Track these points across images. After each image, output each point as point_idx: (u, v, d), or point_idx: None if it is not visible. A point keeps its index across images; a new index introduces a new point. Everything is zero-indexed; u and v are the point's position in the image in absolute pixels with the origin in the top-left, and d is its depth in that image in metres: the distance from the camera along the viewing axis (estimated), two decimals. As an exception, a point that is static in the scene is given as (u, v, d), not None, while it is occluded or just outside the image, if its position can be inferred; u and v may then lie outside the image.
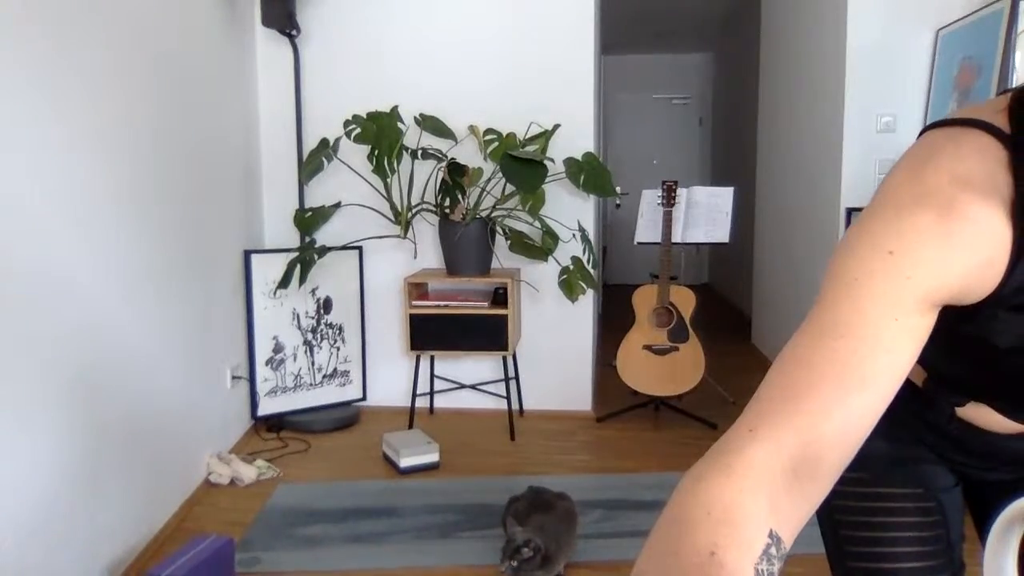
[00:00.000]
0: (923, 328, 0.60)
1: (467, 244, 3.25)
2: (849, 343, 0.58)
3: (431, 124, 3.34)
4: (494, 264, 3.49)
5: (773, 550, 0.51)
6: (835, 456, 0.57)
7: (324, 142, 3.22)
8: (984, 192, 0.59)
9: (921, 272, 0.58)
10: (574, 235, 3.42)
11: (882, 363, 0.58)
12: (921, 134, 0.67)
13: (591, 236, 3.44)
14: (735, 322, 5.86)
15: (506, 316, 3.22)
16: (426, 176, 3.38)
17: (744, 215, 5.33)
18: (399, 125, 3.20)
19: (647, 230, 3.62)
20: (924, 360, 0.84)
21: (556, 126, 3.34)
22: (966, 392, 0.82)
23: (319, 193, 3.51)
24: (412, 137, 3.38)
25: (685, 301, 3.45)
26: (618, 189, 3.54)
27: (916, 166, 0.63)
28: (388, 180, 3.24)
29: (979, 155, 0.61)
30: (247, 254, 3.27)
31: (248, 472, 2.82)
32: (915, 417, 0.90)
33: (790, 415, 0.56)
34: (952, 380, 0.83)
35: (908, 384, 0.87)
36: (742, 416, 0.59)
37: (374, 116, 3.15)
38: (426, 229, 3.55)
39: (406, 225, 3.32)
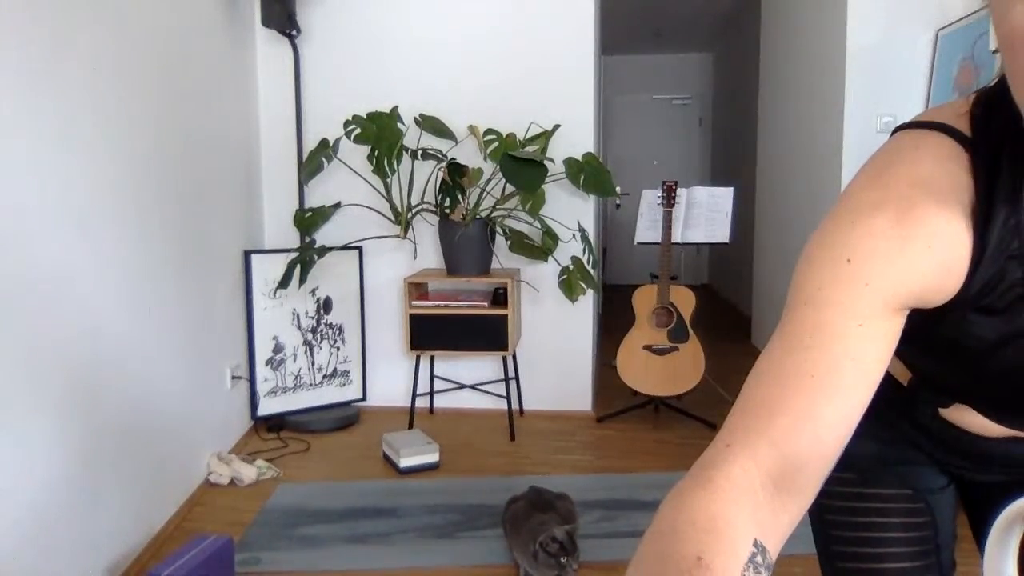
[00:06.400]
0: (890, 332, 0.61)
1: (467, 244, 3.25)
2: (815, 354, 0.58)
3: (431, 124, 3.34)
4: (494, 264, 3.49)
5: (759, 559, 0.51)
6: (813, 467, 0.57)
7: (324, 142, 3.22)
8: (943, 196, 0.59)
9: (880, 278, 0.59)
10: (574, 235, 3.42)
11: (849, 371, 0.58)
12: (892, 134, 0.68)
13: (591, 236, 3.44)
14: (735, 322, 5.86)
15: (506, 316, 3.22)
16: (426, 176, 3.38)
17: (744, 215, 5.33)
18: (399, 125, 3.20)
19: (647, 230, 3.62)
20: (906, 360, 0.84)
21: (556, 126, 3.34)
22: (948, 393, 0.82)
23: (319, 193, 3.52)
24: (412, 137, 3.38)
25: (685, 301, 3.45)
26: (618, 189, 3.54)
27: (875, 172, 0.63)
28: (388, 180, 3.24)
29: (939, 159, 0.61)
30: (247, 254, 3.27)
31: (248, 472, 2.82)
32: (902, 417, 0.90)
33: (764, 429, 0.57)
34: (933, 381, 0.83)
35: (894, 384, 0.87)
36: (720, 431, 0.60)
37: (374, 116, 3.15)
38: (426, 229, 3.55)
39: (406, 225, 3.32)
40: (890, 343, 0.61)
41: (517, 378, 3.63)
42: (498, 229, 3.37)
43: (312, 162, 3.22)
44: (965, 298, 0.62)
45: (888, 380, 0.85)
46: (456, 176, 3.25)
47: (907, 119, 0.70)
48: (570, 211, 3.51)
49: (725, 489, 0.54)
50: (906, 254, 0.59)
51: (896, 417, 0.90)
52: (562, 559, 1.98)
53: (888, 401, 0.80)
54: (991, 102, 0.63)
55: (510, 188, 3.28)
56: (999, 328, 0.64)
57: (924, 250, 0.59)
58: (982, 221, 0.59)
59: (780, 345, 0.61)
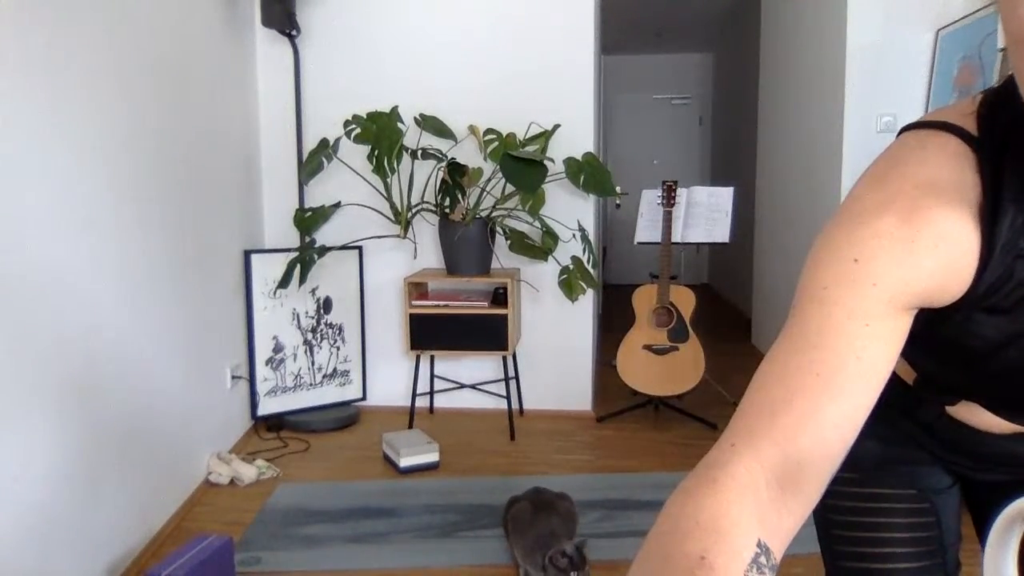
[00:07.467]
0: (897, 331, 0.60)
1: (467, 244, 3.25)
2: (821, 354, 0.58)
3: (431, 124, 3.35)
4: (494, 264, 3.49)
5: (763, 559, 0.51)
6: (817, 467, 0.57)
7: (324, 142, 3.22)
8: (949, 196, 0.59)
9: (886, 278, 0.58)
10: (574, 235, 3.42)
11: (855, 371, 0.58)
12: (898, 135, 0.68)
13: (591, 236, 3.44)
14: (735, 322, 5.86)
15: (506, 316, 3.22)
16: (426, 176, 3.38)
17: (744, 215, 5.33)
18: (399, 125, 3.20)
19: (647, 230, 3.62)
20: (911, 360, 0.84)
21: (556, 126, 3.34)
22: (954, 391, 0.82)
23: (319, 193, 3.51)
24: (412, 137, 3.38)
25: (685, 301, 3.45)
26: (618, 189, 3.53)
27: (880, 172, 0.63)
28: (388, 180, 3.24)
29: (945, 158, 0.61)
30: (247, 254, 3.27)
31: (248, 472, 2.82)
32: (907, 417, 0.89)
33: (769, 430, 0.57)
34: (939, 379, 0.83)
35: (900, 384, 0.87)
36: (725, 431, 0.60)
37: (374, 116, 3.15)
38: (426, 229, 3.55)
39: (406, 225, 3.32)
40: (897, 343, 0.60)
41: (517, 378, 3.63)
42: (498, 229, 3.37)
43: (312, 162, 3.22)
44: (972, 298, 0.61)
45: (892, 379, 0.85)
46: (456, 176, 3.25)
47: (907, 119, 0.70)
48: (570, 211, 3.51)
49: (729, 489, 0.54)
50: (913, 254, 0.58)
51: (899, 416, 0.90)
52: (572, 574, 1.99)
53: (891, 400, 0.80)
54: (998, 102, 0.63)
55: (510, 188, 3.28)
56: (1004, 328, 0.64)
57: (931, 250, 0.58)
58: (989, 221, 0.59)
59: (785, 345, 0.61)
